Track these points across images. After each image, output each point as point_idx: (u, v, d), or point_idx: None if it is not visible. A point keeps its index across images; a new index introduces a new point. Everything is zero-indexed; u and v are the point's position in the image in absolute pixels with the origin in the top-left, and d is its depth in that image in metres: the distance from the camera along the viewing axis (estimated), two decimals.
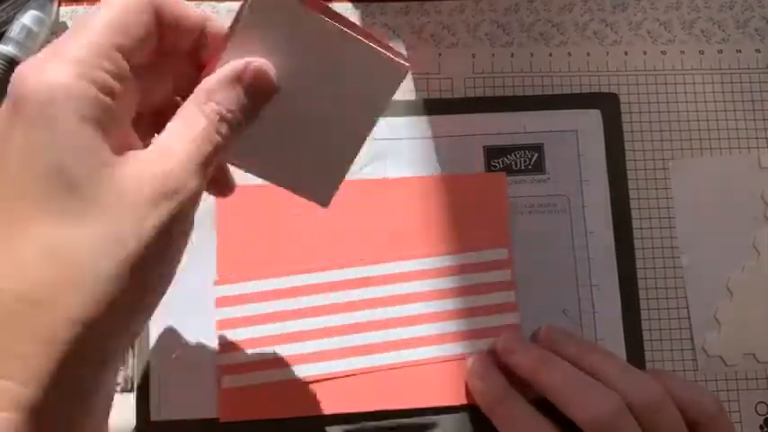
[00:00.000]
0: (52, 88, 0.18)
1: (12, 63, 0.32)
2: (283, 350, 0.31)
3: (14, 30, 0.32)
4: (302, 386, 0.31)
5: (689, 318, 0.33)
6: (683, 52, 0.36)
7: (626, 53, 0.35)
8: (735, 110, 0.35)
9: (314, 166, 0.25)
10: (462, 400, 0.31)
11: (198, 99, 0.21)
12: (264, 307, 0.31)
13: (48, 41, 0.33)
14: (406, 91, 0.34)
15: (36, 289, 0.18)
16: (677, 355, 0.33)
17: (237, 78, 0.21)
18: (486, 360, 0.31)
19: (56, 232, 0.18)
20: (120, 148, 0.20)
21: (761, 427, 0.32)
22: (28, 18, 0.32)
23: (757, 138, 0.35)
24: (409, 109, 0.34)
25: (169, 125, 0.21)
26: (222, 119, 0.21)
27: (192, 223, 0.21)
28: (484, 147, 0.34)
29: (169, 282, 0.21)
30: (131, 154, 0.20)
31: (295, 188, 0.25)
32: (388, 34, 0.35)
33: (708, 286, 0.33)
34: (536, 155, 0.34)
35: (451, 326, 0.32)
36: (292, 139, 0.24)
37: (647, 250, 0.33)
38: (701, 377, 0.33)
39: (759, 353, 0.33)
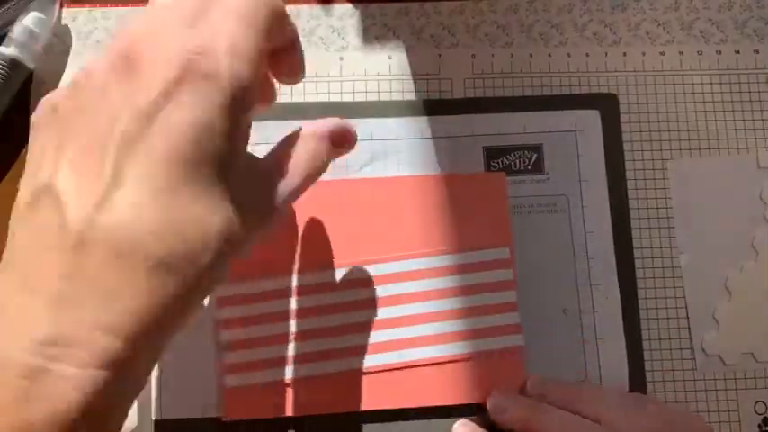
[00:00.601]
0: (244, 83, 0.21)
1: (13, 64, 0.32)
2: (284, 350, 0.31)
3: (16, 31, 0.32)
4: (304, 385, 0.31)
5: (687, 317, 0.33)
6: (681, 53, 0.36)
7: (625, 54, 0.36)
8: (733, 110, 0.35)
9: None
10: (464, 399, 0.31)
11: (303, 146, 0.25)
12: (264, 307, 0.31)
13: (49, 43, 0.34)
14: (406, 91, 0.35)
15: (172, 255, 0.20)
16: (676, 355, 0.33)
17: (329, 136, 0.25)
18: (500, 394, 0.31)
19: (203, 204, 0.20)
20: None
21: (759, 426, 0.32)
22: (29, 19, 0.33)
23: (756, 138, 0.35)
24: (409, 109, 0.34)
25: (281, 151, 0.24)
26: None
27: None
28: (483, 147, 0.34)
29: None
30: (257, 160, 0.24)
31: None
32: (388, 35, 0.35)
33: (706, 286, 0.33)
34: (535, 155, 0.34)
35: (453, 325, 0.32)
36: None
37: (646, 250, 0.34)
38: (700, 376, 0.33)
39: (758, 352, 0.33)
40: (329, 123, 0.25)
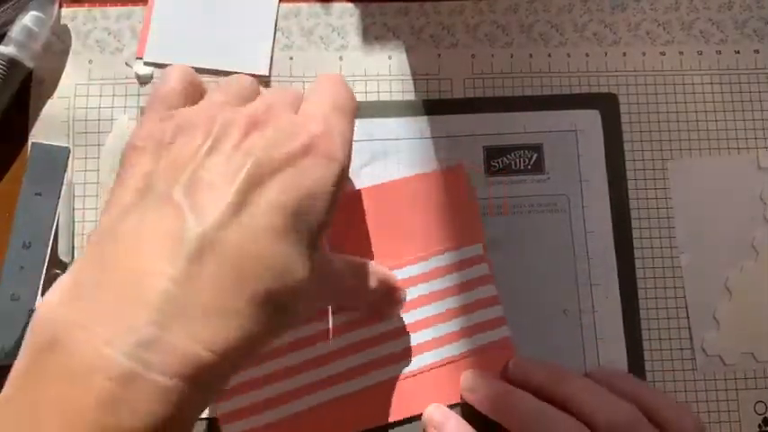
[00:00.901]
0: (347, 166, 0.24)
1: (12, 63, 0.32)
2: (280, 387, 0.30)
3: (15, 30, 0.32)
4: (303, 418, 0.30)
5: (688, 317, 0.33)
6: (681, 53, 0.36)
7: (625, 54, 0.36)
8: (733, 110, 0.35)
9: (245, 47, 0.33)
10: (456, 400, 0.31)
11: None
12: None
13: (48, 42, 0.34)
14: (405, 91, 0.35)
15: (273, 288, 0.21)
16: (676, 355, 0.33)
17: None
18: (474, 374, 0.31)
19: (296, 255, 0.22)
20: None
21: (759, 426, 0.32)
22: (29, 19, 0.32)
23: (756, 138, 0.35)
24: (409, 109, 0.34)
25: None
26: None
27: None
28: (483, 147, 0.34)
29: None
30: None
31: (240, 70, 0.32)
32: (388, 35, 0.35)
33: (707, 286, 0.33)
34: (535, 155, 0.34)
35: (440, 329, 0.31)
36: (221, 32, 0.34)
37: (647, 250, 0.34)
38: (700, 376, 0.33)
39: (758, 352, 0.33)
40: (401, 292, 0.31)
